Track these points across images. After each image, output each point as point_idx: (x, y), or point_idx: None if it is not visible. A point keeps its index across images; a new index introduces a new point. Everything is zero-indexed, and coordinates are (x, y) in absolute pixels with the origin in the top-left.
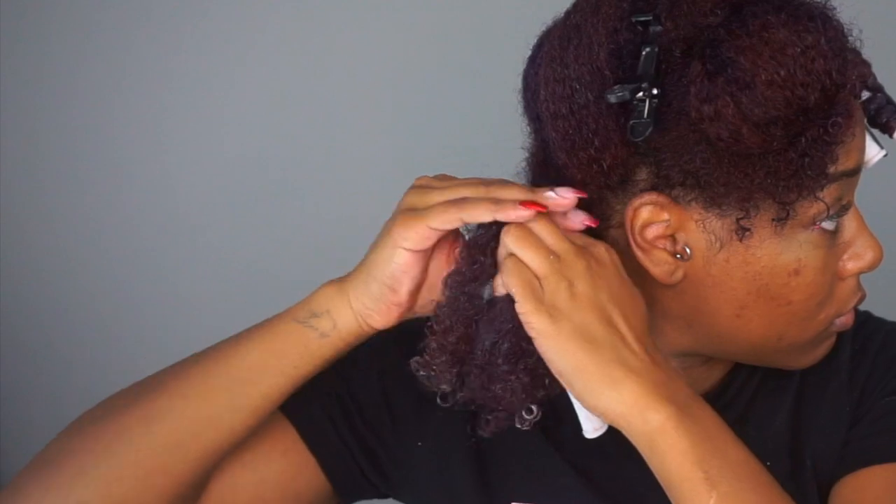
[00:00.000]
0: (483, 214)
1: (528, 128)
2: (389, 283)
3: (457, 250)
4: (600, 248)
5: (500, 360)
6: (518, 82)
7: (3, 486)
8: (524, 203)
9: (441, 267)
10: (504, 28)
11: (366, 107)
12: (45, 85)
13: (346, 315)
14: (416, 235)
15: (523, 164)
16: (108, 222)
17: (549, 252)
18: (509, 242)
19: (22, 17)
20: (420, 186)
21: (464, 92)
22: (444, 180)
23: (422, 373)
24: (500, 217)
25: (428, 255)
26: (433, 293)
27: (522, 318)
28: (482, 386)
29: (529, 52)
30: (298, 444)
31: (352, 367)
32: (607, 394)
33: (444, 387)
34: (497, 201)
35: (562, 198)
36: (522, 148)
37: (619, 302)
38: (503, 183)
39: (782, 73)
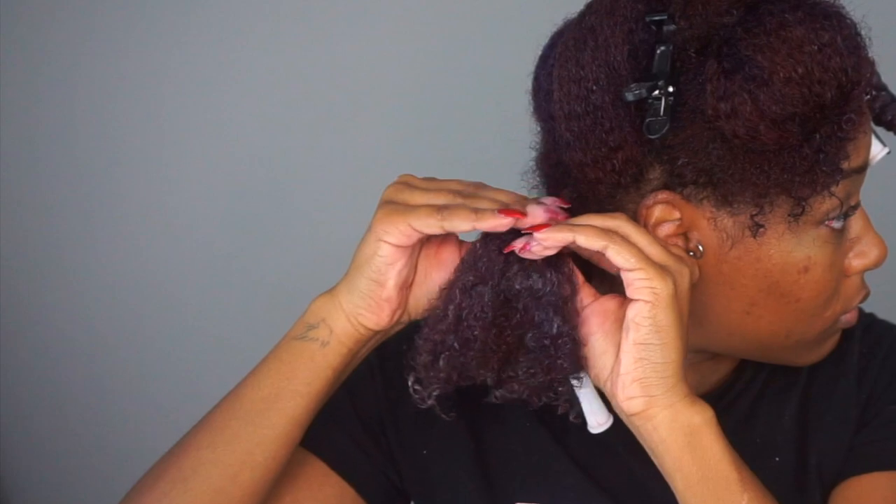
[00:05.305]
0: (463, 224)
1: (538, 127)
2: (375, 276)
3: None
4: (686, 269)
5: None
6: (527, 83)
7: (4, 486)
8: (502, 211)
9: (430, 266)
10: (513, 29)
11: (372, 107)
12: (45, 85)
13: (341, 319)
14: (396, 231)
15: (531, 163)
16: (107, 224)
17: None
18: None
19: (22, 17)
20: (403, 182)
21: (472, 93)
22: (428, 182)
23: (416, 386)
24: (480, 226)
25: (414, 251)
26: (424, 293)
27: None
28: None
29: (538, 53)
30: (331, 476)
31: (358, 384)
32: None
33: (434, 392)
34: (476, 210)
35: (546, 208)
36: (531, 147)
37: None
38: (483, 188)
39: (800, 70)
